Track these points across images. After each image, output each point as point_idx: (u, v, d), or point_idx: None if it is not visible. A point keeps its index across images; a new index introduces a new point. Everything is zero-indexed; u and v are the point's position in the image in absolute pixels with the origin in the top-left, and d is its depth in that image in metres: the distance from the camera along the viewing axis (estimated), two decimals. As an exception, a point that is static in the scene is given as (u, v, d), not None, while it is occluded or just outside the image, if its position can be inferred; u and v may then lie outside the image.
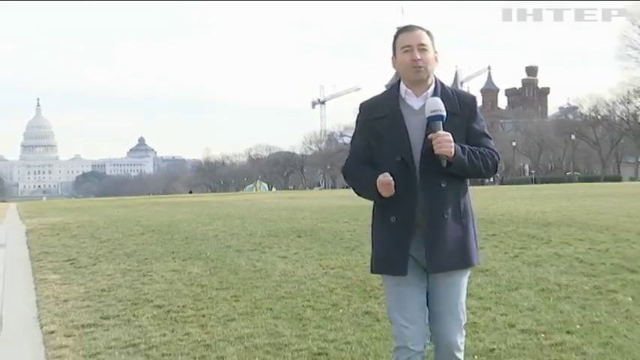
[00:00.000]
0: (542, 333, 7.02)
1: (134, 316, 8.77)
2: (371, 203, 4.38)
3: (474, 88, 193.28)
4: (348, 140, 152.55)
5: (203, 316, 8.60)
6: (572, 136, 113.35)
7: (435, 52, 4.18)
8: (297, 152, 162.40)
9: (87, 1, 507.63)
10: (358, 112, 4.34)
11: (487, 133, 4.27)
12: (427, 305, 4.28)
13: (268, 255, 13.39)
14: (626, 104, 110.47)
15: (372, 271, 4.41)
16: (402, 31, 4.20)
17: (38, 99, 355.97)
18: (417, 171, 4.08)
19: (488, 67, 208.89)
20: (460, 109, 4.13)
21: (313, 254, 13.26)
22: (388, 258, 4.18)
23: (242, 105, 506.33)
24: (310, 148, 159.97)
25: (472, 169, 4.08)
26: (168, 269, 12.23)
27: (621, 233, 14.39)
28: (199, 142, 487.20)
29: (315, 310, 8.65)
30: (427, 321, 4.29)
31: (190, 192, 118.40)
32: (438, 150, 3.96)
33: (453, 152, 3.97)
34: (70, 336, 7.92)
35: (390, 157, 4.13)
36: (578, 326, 7.38)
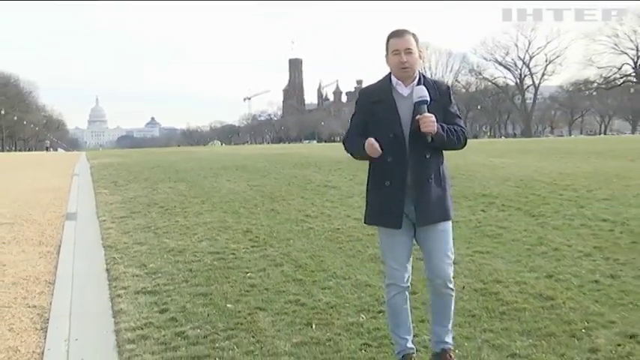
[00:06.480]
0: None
1: (148, 212, 8.52)
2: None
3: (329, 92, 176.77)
4: (263, 119, 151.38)
5: (185, 211, 8.39)
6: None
7: (420, 51, 3.02)
8: (236, 124, 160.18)
9: (121, 37, 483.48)
10: (358, 96, 3.18)
11: (459, 114, 3.13)
12: (422, 250, 3.09)
13: (220, 179, 13.09)
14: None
15: (366, 223, 3.15)
16: (392, 35, 3.01)
17: (97, 96, 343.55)
18: (406, 145, 2.96)
19: (337, 80, 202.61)
20: (439, 96, 3.02)
21: (244, 178, 13.03)
22: (385, 214, 3.02)
23: (207, 97, 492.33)
24: (243, 123, 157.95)
25: (449, 143, 3.01)
26: (167, 187, 11.83)
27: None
28: (184, 118, 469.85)
29: (244, 209, 8.52)
30: (412, 263, 3.11)
31: (179, 146, 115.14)
32: (424, 128, 2.89)
33: (436, 130, 2.91)
34: (113, 222, 7.70)
35: (384, 133, 2.97)
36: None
